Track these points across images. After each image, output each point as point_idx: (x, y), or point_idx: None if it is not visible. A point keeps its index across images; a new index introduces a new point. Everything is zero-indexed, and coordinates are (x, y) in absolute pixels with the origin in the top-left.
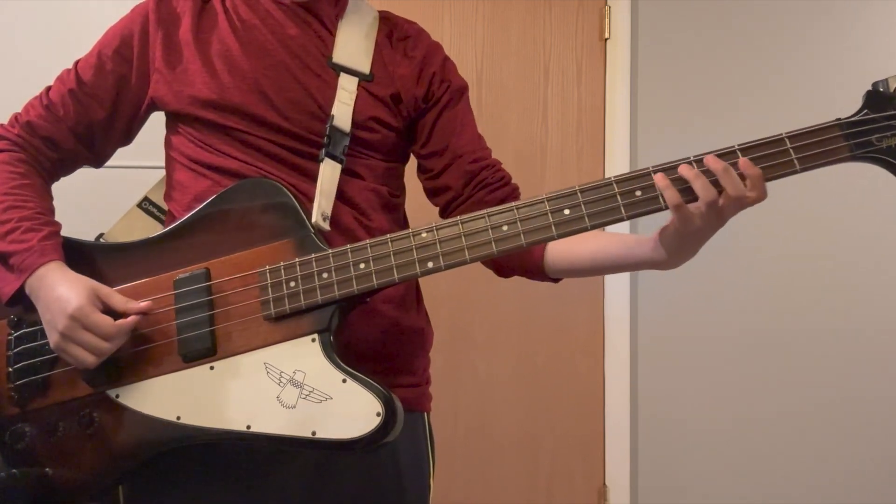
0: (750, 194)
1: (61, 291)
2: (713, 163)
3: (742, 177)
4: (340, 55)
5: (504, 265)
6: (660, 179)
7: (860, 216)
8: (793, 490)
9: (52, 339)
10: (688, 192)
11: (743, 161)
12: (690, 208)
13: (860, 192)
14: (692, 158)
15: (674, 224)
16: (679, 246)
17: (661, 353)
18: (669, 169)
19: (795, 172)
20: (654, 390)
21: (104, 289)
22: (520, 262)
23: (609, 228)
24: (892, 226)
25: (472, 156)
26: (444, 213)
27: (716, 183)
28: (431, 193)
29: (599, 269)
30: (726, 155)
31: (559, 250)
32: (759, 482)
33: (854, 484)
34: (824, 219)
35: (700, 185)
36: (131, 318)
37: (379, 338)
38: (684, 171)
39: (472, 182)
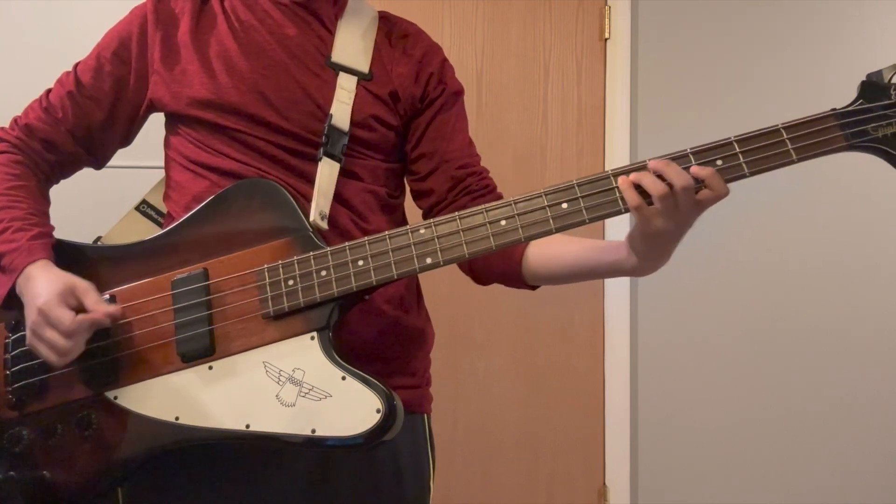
0: (705, 191)
1: (38, 288)
2: (654, 163)
3: (698, 180)
4: (339, 54)
5: (482, 273)
6: (622, 182)
7: (860, 219)
8: (793, 490)
9: (27, 336)
10: (647, 195)
11: (694, 168)
12: (650, 208)
13: (859, 194)
14: (647, 161)
15: (637, 226)
16: (646, 249)
17: (661, 353)
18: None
19: (792, 163)
20: (654, 390)
21: (82, 285)
22: (498, 270)
23: (609, 222)
24: (891, 229)
25: (460, 162)
26: (427, 217)
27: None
28: (415, 196)
29: (577, 275)
30: (721, 147)
31: (537, 257)
32: (759, 482)
33: (854, 484)
34: (823, 221)
35: (649, 182)
36: (90, 315)
37: (379, 338)
38: (634, 175)
39: (457, 188)
